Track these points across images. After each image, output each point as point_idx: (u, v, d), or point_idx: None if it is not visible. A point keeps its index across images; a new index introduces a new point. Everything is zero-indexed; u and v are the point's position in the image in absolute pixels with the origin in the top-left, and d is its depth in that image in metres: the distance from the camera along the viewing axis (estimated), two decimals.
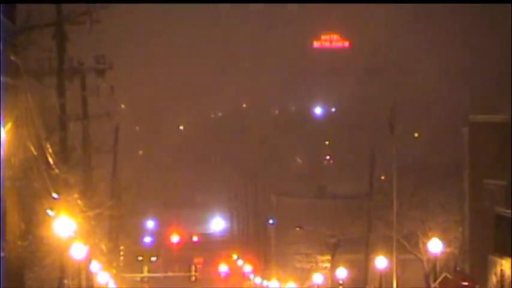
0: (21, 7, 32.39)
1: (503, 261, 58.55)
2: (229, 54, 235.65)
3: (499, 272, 57.93)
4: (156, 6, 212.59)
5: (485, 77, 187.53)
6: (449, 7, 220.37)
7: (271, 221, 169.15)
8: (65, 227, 44.49)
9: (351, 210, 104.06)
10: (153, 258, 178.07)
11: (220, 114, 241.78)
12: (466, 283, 58.85)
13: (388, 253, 78.41)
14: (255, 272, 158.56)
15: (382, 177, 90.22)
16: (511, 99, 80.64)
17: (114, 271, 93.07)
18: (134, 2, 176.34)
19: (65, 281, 48.69)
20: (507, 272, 57.37)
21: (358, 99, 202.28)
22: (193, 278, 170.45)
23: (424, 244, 74.32)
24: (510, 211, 61.92)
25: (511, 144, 69.70)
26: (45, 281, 53.02)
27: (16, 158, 29.61)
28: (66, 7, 48.18)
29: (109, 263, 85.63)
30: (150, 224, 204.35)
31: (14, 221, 29.46)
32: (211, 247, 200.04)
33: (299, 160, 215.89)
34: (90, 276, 65.48)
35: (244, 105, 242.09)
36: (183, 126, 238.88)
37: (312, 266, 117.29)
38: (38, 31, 39.88)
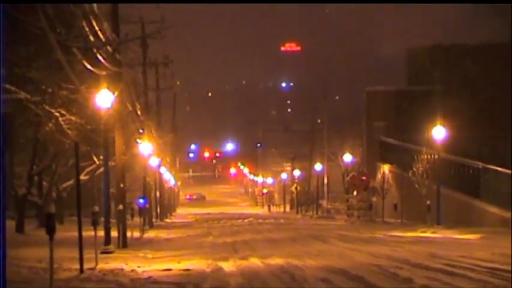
0: (121, 29, 30.65)
1: (384, 166, 58.89)
2: (234, 50, 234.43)
3: (382, 172, 58.19)
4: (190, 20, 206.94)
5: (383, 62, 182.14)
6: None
7: (259, 145, 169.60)
8: (147, 148, 44.73)
9: (303, 139, 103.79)
10: (190, 171, 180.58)
11: (230, 87, 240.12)
12: (364, 177, 58.87)
13: (322, 162, 78.78)
14: (250, 172, 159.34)
15: (319, 121, 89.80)
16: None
17: (173, 172, 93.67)
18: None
19: (147, 178, 48.99)
20: (386, 171, 57.70)
21: (306, 78, 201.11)
22: (216, 176, 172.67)
23: (342, 157, 74.01)
24: (387, 139, 62.35)
25: (381, 104, 69.68)
26: (136, 178, 53.62)
27: (121, 111, 29.74)
28: (147, 27, 48.27)
29: (170, 168, 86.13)
30: (193, 146, 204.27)
31: (119, 145, 28.80)
32: (226, 159, 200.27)
33: (274, 112, 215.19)
34: (160, 176, 65.91)
35: (244, 82, 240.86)
36: (211, 93, 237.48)
37: (281, 169, 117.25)
38: (131, 42, 39.97)
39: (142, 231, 37.50)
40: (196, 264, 19.48)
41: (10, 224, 30.30)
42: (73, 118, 27.54)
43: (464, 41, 73.66)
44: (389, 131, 65.23)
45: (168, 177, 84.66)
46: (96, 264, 18.90)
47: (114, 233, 26.92)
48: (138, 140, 43.57)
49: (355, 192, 57.60)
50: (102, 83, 25.14)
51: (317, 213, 74.21)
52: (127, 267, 18.97)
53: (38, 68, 24.87)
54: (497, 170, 40.01)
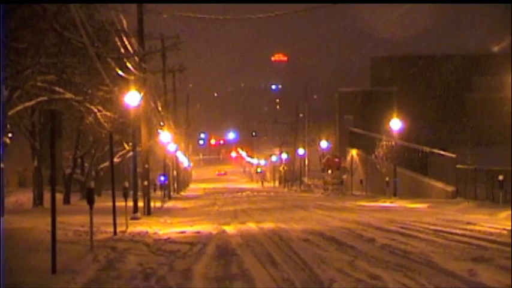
0: (146, 43, 29.85)
1: (352, 150, 58.83)
2: (234, 60, 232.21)
3: (351, 155, 58.16)
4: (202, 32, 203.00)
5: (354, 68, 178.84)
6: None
7: (254, 134, 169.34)
8: (166, 137, 44.55)
9: (288, 129, 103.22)
10: (200, 155, 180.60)
11: (231, 89, 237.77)
12: (337, 159, 58.88)
13: (304, 147, 78.70)
14: (247, 155, 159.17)
15: (301, 115, 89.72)
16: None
17: (187, 155, 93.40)
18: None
19: (166, 160, 48.81)
20: (354, 155, 57.66)
21: (291, 82, 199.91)
22: (220, 158, 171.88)
23: (319, 143, 73.89)
24: (355, 129, 62.17)
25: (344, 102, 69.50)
26: (158, 161, 53.42)
27: (146, 108, 29.61)
28: (166, 41, 47.66)
29: (185, 152, 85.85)
30: (202, 135, 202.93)
31: (145, 134, 28.56)
32: (229, 145, 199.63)
33: (265, 108, 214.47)
34: (176, 158, 65.45)
35: (242, 85, 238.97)
36: (216, 94, 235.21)
37: (271, 153, 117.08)
38: (153, 53, 39.75)
39: (163, 202, 37.54)
40: (205, 227, 19.54)
41: (59, 197, 30.21)
42: (108, 113, 27.63)
43: (418, 52, 73.45)
44: (356, 122, 65.26)
45: (183, 159, 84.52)
46: (127, 228, 18.95)
47: (140, 204, 26.95)
48: (159, 131, 43.44)
49: (329, 171, 57.66)
50: (131, 85, 25.22)
51: (300, 187, 74.23)
52: (151, 230, 19.03)
53: (81, 74, 24.87)
54: (440, 153, 40.26)
